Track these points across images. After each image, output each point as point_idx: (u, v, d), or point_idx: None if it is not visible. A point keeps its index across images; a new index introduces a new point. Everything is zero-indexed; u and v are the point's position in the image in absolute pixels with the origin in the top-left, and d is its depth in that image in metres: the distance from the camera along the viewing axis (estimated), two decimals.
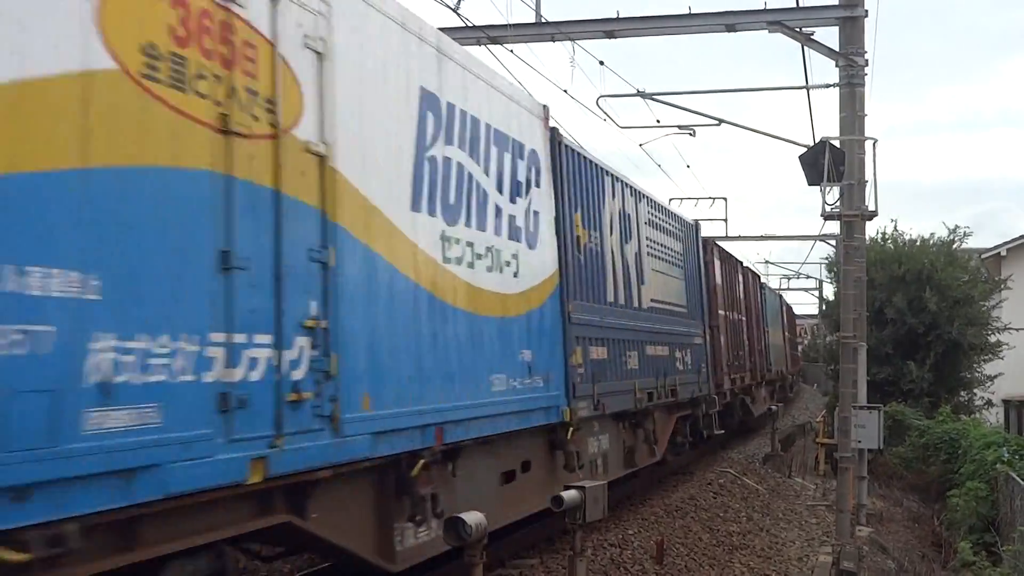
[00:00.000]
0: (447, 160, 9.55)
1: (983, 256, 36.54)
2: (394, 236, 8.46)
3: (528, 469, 11.76)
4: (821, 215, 17.05)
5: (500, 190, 10.82)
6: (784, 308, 48.89)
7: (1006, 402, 35.17)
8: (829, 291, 44.68)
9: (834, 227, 22.60)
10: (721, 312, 24.54)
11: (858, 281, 17.68)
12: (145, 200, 5.74)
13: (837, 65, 17.13)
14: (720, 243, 27.19)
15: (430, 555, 9.27)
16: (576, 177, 13.64)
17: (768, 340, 35.40)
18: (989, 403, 33.57)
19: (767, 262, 64.33)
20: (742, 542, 16.19)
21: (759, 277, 36.27)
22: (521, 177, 11.45)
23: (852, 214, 16.95)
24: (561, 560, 12.52)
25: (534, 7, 17.44)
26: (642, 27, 17.82)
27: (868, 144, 17.15)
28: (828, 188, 16.64)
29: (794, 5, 17.22)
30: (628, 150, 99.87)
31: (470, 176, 10.06)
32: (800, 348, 64.61)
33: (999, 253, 37.28)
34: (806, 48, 17.31)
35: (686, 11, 17.54)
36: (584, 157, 14.09)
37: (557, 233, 12.51)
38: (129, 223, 5.61)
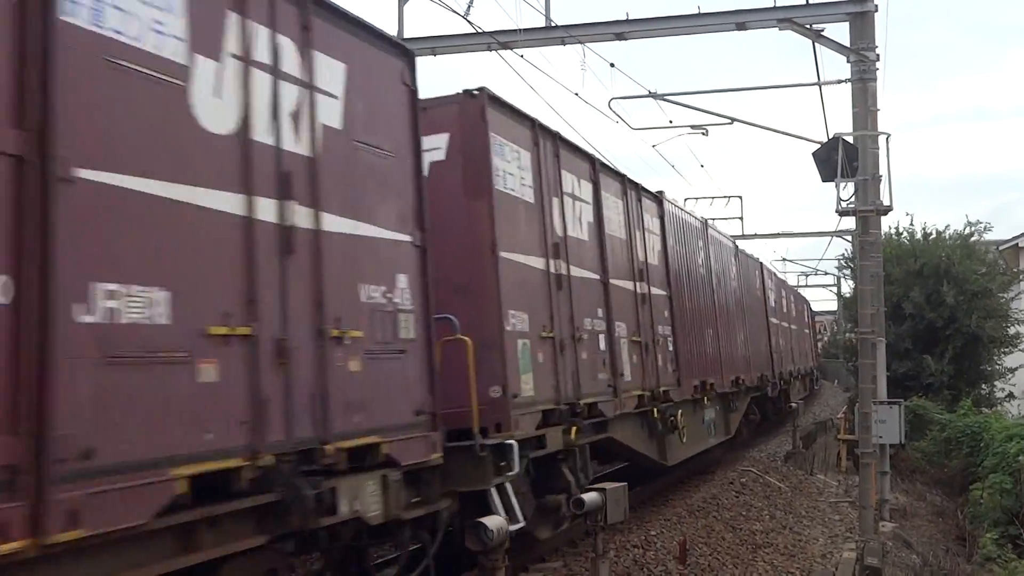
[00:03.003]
0: None
1: (1000, 248, 36.39)
2: None
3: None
4: (836, 211, 17.05)
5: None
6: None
7: None
8: (847, 287, 44.65)
9: (850, 223, 22.67)
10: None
11: (875, 276, 17.64)
12: None
13: (848, 61, 17.10)
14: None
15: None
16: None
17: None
18: (1011, 395, 33.40)
19: (784, 259, 63.71)
20: (765, 540, 16.18)
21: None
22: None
23: (867, 209, 16.91)
24: (584, 563, 12.54)
25: (544, 11, 17.48)
26: (652, 28, 17.84)
27: (881, 139, 17.11)
28: (842, 184, 16.64)
29: (803, 2, 17.20)
30: (641, 151, 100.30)
31: None
32: (820, 345, 64.50)
33: (1016, 244, 37.12)
34: (816, 45, 17.30)
35: (696, 11, 17.54)
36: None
37: None
38: None
